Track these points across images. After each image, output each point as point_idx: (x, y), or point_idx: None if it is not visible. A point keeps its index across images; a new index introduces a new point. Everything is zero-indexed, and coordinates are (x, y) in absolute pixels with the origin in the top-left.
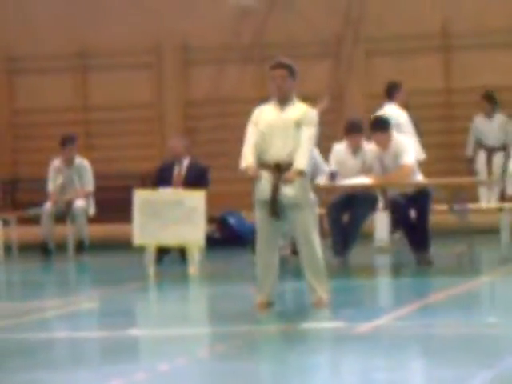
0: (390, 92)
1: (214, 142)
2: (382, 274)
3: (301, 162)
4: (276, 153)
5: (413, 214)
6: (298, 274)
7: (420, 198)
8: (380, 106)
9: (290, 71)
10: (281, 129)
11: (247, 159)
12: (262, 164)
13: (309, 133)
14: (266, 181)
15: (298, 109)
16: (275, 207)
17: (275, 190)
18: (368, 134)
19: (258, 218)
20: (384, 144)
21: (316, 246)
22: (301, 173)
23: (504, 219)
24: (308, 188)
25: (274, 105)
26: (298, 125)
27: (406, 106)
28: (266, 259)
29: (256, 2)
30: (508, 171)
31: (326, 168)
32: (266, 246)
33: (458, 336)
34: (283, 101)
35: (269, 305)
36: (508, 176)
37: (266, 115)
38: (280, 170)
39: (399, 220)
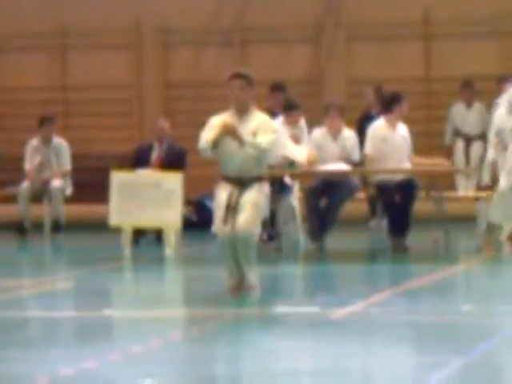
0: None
1: (191, 125)
2: (358, 260)
3: (260, 141)
4: (236, 166)
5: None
6: (272, 259)
7: (408, 186)
8: (359, 92)
9: (248, 81)
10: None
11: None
12: (223, 177)
13: (265, 137)
14: (224, 191)
15: (257, 119)
16: (227, 217)
17: (234, 204)
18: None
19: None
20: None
21: (254, 237)
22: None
23: (481, 208)
24: (265, 191)
25: (233, 115)
26: (255, 134)
27: None
28: (229, 248)
29: None
30: (485, 161)
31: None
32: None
33: (432, 323)
34: (242, 111)
35: (241, 288)
36: (484, 166)
37: None
38: (242, 183)
39: (386, 205)
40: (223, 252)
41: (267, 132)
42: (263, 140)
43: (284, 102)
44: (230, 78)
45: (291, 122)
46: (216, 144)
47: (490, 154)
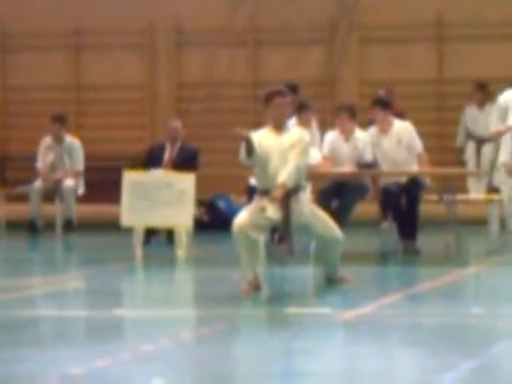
0: None
1: (204, 125)
2: (369, 262)
3: (282, 177)
4: (276, 178)
5: (403, 202)
6: (284, 260)
7: (411, 187)
8: (373, 92)
9: (288, 99)
10: (279, 154)
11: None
12: (262, 191)
13: (298, 150)
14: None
15: (293, 133)
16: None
17: (286, 213)
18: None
19: (255, 206)
20: (383, 123)
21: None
22: (282, 185)
23: (492, 210)
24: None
25: (271, 131)
26: (293, 147)
27: None
28: (250, 239)
29: None
30: (496, 163)
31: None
32: (253, 227)
33: (442, 325)
34: (280, 127)
35: (256, 288)
36: (495, 168)
37: (264, 141)
38: (286, 194)
39: (391, 208)
40: (241, 241)
41: (301, 144)
42: (285, 174)
43: (297, 104)
44: (270, 95)
45: (303, 123)
46: (250, 154)
47: (504, 155)
